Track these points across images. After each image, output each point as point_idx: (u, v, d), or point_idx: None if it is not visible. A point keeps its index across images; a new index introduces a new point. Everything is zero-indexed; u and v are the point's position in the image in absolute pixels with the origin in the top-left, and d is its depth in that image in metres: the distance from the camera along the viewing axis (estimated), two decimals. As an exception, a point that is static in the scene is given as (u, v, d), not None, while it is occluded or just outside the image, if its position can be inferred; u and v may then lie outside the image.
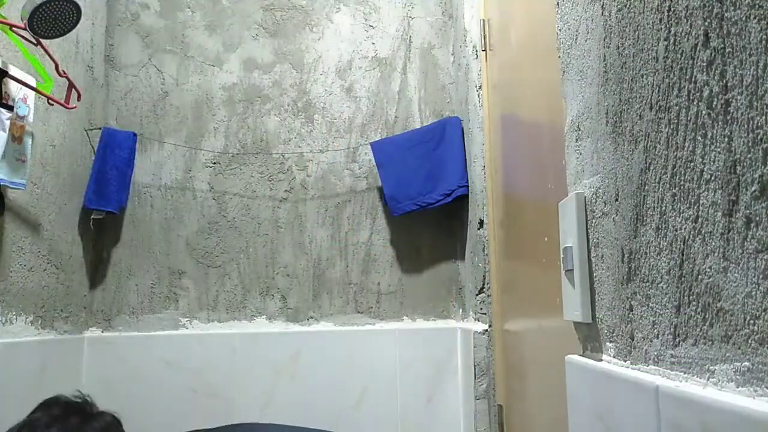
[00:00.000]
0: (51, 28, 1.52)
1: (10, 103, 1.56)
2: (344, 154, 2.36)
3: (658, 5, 0.62)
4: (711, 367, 0.54)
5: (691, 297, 0.57)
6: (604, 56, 0.78)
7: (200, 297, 2.27)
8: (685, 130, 0.57)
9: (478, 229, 1.94)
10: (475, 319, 1.97)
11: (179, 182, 2.32)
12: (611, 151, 0.76)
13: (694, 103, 0.55)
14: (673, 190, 0.60)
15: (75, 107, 1.87)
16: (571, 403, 0.88)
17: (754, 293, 0.47)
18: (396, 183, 2.24)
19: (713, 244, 0.53)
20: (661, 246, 0.63)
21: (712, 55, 0.52)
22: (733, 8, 0.49)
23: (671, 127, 0.60)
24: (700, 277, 0.55)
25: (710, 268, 0.53)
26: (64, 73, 1.75)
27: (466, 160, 2.18)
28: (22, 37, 1.55)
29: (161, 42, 2.38)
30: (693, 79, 0.56)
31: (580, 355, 0.89)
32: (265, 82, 2.38)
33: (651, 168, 0.65)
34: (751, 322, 0.47)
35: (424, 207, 2.22)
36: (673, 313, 0.60)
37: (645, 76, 0.66)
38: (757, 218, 0.46)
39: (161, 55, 2.38)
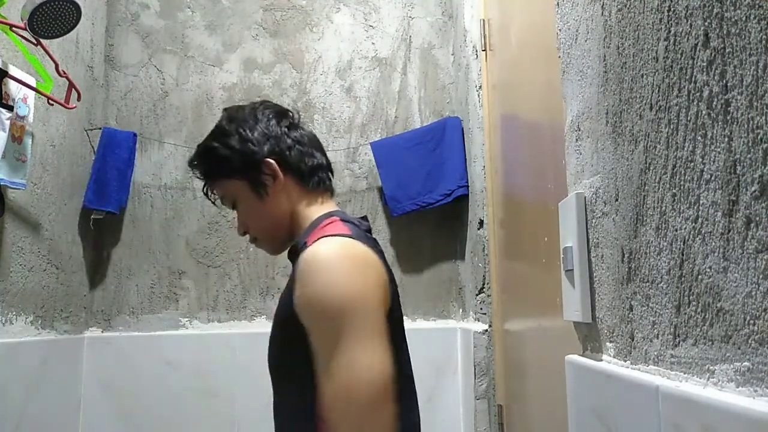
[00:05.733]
0: (51, 28, 1.52)
1: (10, 103, 1.56)
2: (344, 154, 2.36)
3: (658, 5, 0.62)
4: (711, 367, 0.54)
5: (691, 297, 0.57)
6: (604, 56, 0.78)
7: (200, 297, 2.27)
8: (685, 130, 0.57)
9: (478, 229, 1.94)
10: (475, 319, 1.97)
11: (179, 182, 2.32)
12: (611, 151, 0.76)
13: (694, 103, 0.55)
14: (673, 190, 0.60)
15: (75, 107, 1.87)
16: (571, 403, 0.88)
17: (754, 293, 0.47)
18: (396, 183, 2.24)
19: (713, 244, 0.53)
20: (661, 246, 0.63)
21: (712, 55, 0.52)
22: (733, 8, 0.49)
23: (671, 127, 0.60)
24: (700, 277, 0.55)
25: (710, 268, 0.53)
26: (64, 73, 1.75)
27: (466, 160, 2.18)
28: (22, 37, 1.55)
29: (161, 42, 2.38)
30: (693, 79, 0.55)
31: (580, 355, 0.89)
32: (265, 82, 2.38)
33: (651, 168, 0.65)
34: (751, 322, 0.47)
35: (424, 207, 2.22)
36: (673, 313, 0.60)
37: (645, 76, 0.66)
38: (757, 218, 0.46)
39: (161, 55, 2.38)
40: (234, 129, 1.12)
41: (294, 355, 0.97)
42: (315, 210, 1.12)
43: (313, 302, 0.93)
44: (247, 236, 1.17)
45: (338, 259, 0.95)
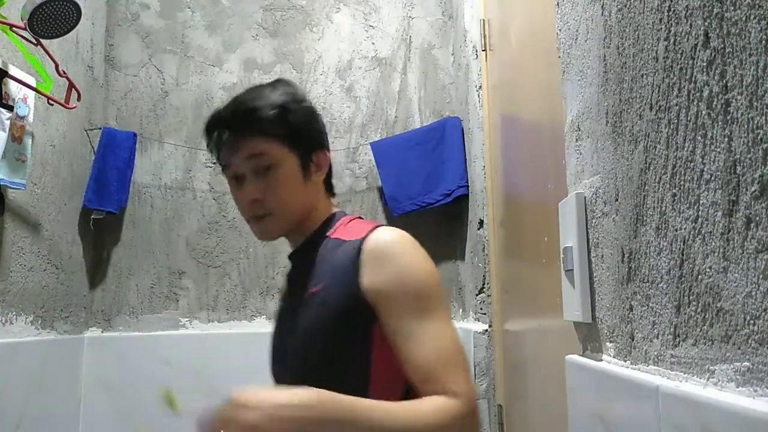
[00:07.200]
0: (51, 28, 1.52)
1: (10, 103, 1.56)
2: (344, 154, 2.36)
3: (658, 5, 0.62)
4: (711, 367, 0.54)
5: (691, 297, 0.57)
6: (604, 56, 0.78)
7: (200, 297, 2.27)
8: (685, 130, 0.57)
9: (478, 229, 1.94)
10: (475, 319, 1.97)
11: (179, 182, 2.32)
12: (611, 151, 0.76)
13: (694, 103, 0.55)
14: (673, 190, 0.60)
15: (75, 107, 1.88)
16: (571, 403, 0.88)
17: (754, 293, 0.47)
18: (396, 183, 2.24)
19: (713, 244, 0.53)
20: (661, 246, 0.63)
21: (712, 55, 0.52)
22: (733, 8, 0.49)
23: (671, 127, 0.60)
24: (700, 277, 0.55)
25: (710, 268, 0.53)
26: (64, 73, 1.75)
27: (466, 160, 2.18)
28: (22, 37, 1.55)
29: (161, 42, 2.38)
30: (693, 79, 0.55)
31: (580, 355, 0.89)
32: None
33: (651, 168, 0.65)
34: (751, 322, 0.47)
35: (424, 207, 2.22)
36: (673, 313, 0.60)
37: (645, 76, 0.66)
38: (757, 218, 0.46)
39: (161, 55, 2.38)
40: (310, 105, 1.13)
41: (350, 343, 0.99)
42: (330, 210, 1.14)
43: (403, 281, 0.96)
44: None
45: (411, 244, 1.01)
